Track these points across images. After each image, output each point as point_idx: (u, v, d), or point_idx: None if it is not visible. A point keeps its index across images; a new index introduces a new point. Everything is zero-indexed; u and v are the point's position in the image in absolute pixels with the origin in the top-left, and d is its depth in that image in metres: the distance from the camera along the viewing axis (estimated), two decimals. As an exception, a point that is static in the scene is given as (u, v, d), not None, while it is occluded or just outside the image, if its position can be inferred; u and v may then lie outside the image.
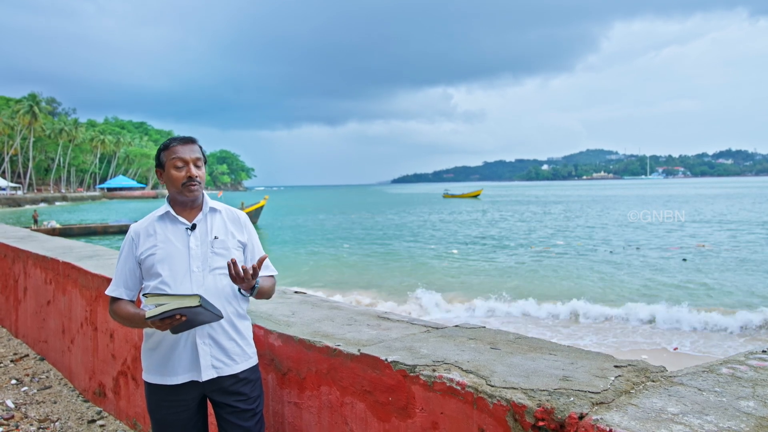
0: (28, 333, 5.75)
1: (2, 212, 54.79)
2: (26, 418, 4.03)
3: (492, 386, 1.61)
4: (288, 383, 2.38)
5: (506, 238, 29.28)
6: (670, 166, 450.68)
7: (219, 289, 2.13)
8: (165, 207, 2.19)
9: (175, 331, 1.97)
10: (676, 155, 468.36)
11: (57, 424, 3.94)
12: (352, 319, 2.57)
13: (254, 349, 2.28)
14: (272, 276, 2.34)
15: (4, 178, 78.27)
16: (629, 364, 1.72)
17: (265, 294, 2.26)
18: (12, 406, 4.23)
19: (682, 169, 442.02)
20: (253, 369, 2.23)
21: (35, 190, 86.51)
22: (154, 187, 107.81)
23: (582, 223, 37.98)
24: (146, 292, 2.05)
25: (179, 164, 2.13)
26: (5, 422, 3.91)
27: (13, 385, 4.70)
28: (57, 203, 75.35)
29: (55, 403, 4.32)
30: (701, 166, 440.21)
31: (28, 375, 4.92)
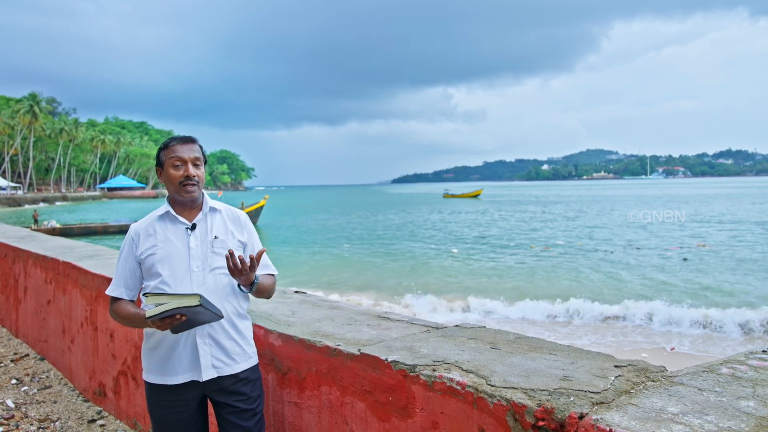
0: (28, 333, 5.75)
1: (2, 212, 54.81)
2: (26, 417, 4.03)
3: (492, 386, 1.61)
4: (288, 383, 2.38)
5: (506, 237, 29.28)
6: (670, 166, 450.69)
7: (219, 289, 2.13)
8: (165, 207, 2.19)
9: (175, 330, 1.97)
10: (676, 155, 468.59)
11: (57, 423, 3.94)
12: (352, 319, 2.57)
13: (254, 349, 2.28)
14: (272, 275, 2.34)
15: (5, 177, 78.29)
16: (629, 364, 1.72)
17: (265, 292, 2.25)
18: (12, 405, 4.23)
19: (683, 169, 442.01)
20: (254, 369, 2.23)
21: (35, 190, 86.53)
22: (154, 187, 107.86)
23: (582, 223, 37.98)
24: (146, 291, 2.05)
25: (178, 163, 2.13)
26: (5, 422, 3.91)
27: (13, 384, 4.70)
28: (57, 203, 75.38)
29: (55, 402, 4.32)
30: (701, 166, 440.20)
31: (28, 375, 4.92)
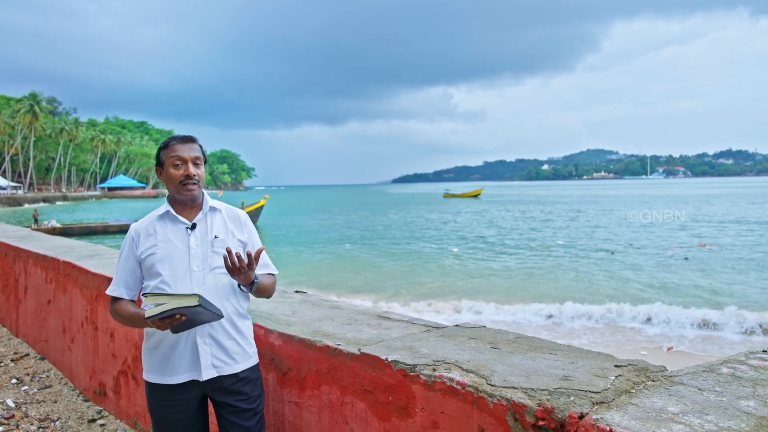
0: (28, 332, 5.75)
1: (3, 211, 54.83)
2: (27, 417, 4.03)
3: (492, 386, 1.61)
4: (288, 383, 2.38)
5: (506, 237, 29.28)
6: (670, 166, 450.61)
7: (219, 289, 2.13)
8: (165, 206, 2.19)
9: (175, 330, 1.97)
10: (676, 155, 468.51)
11: (57, 423, 3.94)
12: (352, 319, 2.57)
13: (255, 349, 2.27)
14: (272, 275, 2.34)
15: (5, 177, 78.32)
16: (629, 364, 1.72)
17: (265, 291, 2.25)
18: (12, 405, 4.23)
19: (683, 169, 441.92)
20: (254, 368, 2.23)
21: (36, 190, 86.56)
22: (154, 187, 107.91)
23: (582, 222, 37.98)
24: (146, 291, 2.05)
25: (178, 163, 2.13)
26: (6, 421, 3.91)
27: (13, 384, 4.70)
28: (57, 203, 75.42)
29: (55, 402, 4.32)
30: (702, 166, 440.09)
31: (28, 374, 4.93)
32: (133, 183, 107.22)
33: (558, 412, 1.43)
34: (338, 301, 3.07)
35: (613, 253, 22.12)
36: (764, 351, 1.77)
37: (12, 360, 5.33)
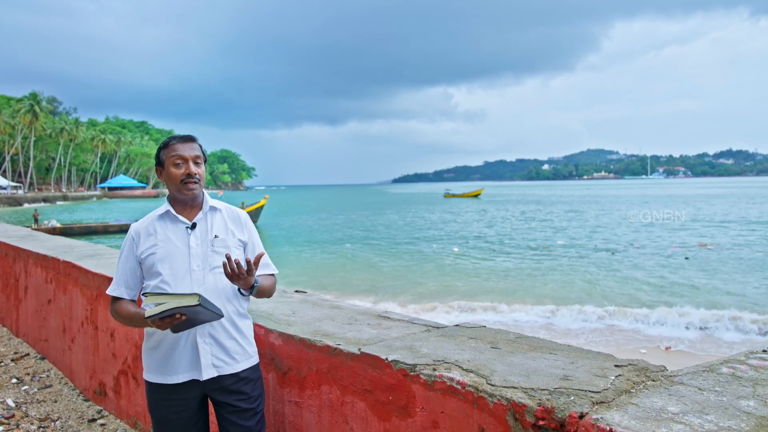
0: (28, 332, 5.75)
1: (3, 211, 54.84)
2: (27, 417, 4.03)
3: (492, 385, 1.61)
4: (288, 382, 2.38)
5: (506, 237, 29.29)
6: (670, 166, 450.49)
7: (219, 288, 2.13)
8: (165, 206, 2.19)
9: (175, 330, 1.97)
10: (676, 155, 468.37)
11: (57, 423, 3.94)
12: (352, 319, 2.57)
13: (255, 348, 2.27)
14: (272, 275, 2.33)
15: (5, 177, 78.34)
16: (630, 364, 1.72)
17: (265, 293, 2.25)
18: (12, 405, 4.23)
19: (683, 169, 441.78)
20: (254, 368, 2.23)
21: (36, 190, 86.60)
22: (154, 187, 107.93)
23: (582, 222, 37.98)
24: (146, 291, 2.05)
25: (178, 162, 2.13)
26: (6, 421, 3.91)
27: (13, 384, 4.70)
28: (58, 202, 75.45)
29: (55, 402, 4.32)
30: (702, 166, 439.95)
31: (28, 374, 4.93)
32: (134, 183, 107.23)
33: (558, 411, 1.43)
34: (338, 300, 3.07)
35: (613, 253, 22.11)
36: (764, 351, 1.77)
37: (12, 360, 5.33)
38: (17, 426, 3.85)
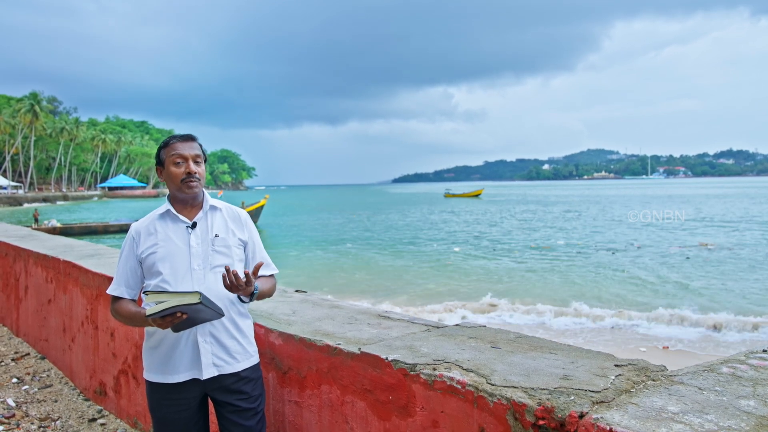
0: (29, 332, 5.76)
1: (3, 211, 54.85)
2: (27, 416, 4.03)
3: (492, 385, 1.61)
4: (288, 382, 2.38)
5: (507, 237, 29.29)
6: (671, 166, 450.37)
7: (220, 287, 2.12)
8: (166, 205, 2.19)
9: (176, 329, 1.97)
10: (677, 155, 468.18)
11: (58, 422, 3.94)
12: (352, 318, 2.57)
13: (255, 348, 2.27)
14: (272, 275, 2.34)
15: (5, 177, 78.37)
16: (630, 363, 1.72)
17: (265, 295, 2.25)
18: (13, 404, 4.23)
19: (683, 169, 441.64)
20: (255, 367, 2.23)
21: (36, 189, 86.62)
22: (155, 187, 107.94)
23: (583, 222, 37.97)
24: (147, 290, 2.05)
25: (179, 161, 2.13)
26: (6, 421, 3.92)
27: (14, 383, 4.70)
28: (58, 202, 75.48)
29: (55, 401, 4.32)
30: (702, 166, 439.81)
31: (29, 374, 4.93)
32: (134, 183, 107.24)
33: (558, 411, 1.43)
34: (338, 300, 3.07)
35: (613, 252, 22.11)
36: (764, 351, 1.77)
37: (12, 359, 5.33)
38: (18, 425, 3.85)
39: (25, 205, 64.35)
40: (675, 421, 1.28)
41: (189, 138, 2.19)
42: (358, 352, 2.04)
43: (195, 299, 1.82)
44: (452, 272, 18.73)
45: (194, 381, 2.12)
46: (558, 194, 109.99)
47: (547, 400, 1.48)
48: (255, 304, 2.78)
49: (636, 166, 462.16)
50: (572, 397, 1.47)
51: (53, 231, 28.45)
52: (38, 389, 4.56)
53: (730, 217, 38.79)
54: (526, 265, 19.81)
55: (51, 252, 5.08)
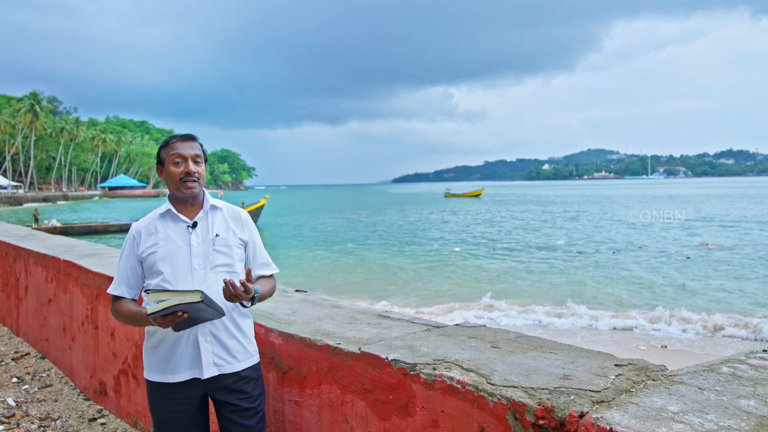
0: (29, 331, 5.76)
1: (3, 211, 54.87)
2: (27, 416, 4.03)
3: (492, 385, 1.62)
4: (289, 382, 2.38)
5: (507, 237, 29.28)
6: (671, 166, 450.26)
7: (220, 287, 2.13)
8: (166, 205, 2.19)
9: (177, 328, 1.97)
10: (677, 155, 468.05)
11: (58, 422, 3.94)
12: (352, 318, 2.57)
13: (256, 348, 2.28)
14: (272, 275, 2.34)
15: (6, 176, 78.39)
16: (630, 363, 1.72)
17: (266, 297, 2.26)
18: (13, 404, 4.24)
19: (683, 169, 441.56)
20: (255, 367, 2.24)
21: (36, 189, 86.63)
22: (155, 186, 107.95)
23: (582, 222, 37.97)
24: (148, 289, 2.05)
25: (178, 160, 2.14)
26: (6, 420, 3.92)
27: (14, 383, 4.70)
28: (58, 202, 75.51)
29: (56, 401, 4.32)
30: (702, 166, 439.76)
31: (29, 373, 4.93)
32: (134, 182, 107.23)
33: (558, 411, 1.43)
34: (338, 300, 3.07)
35: (614, 252, 22.11)
36: (764, 351, 1.77)
37: (13, 359, 5.33)
38: (18, 425, 3.85)
39: (25, 205, 64.39)
40: (675, 421, 1.29)
41: (189, 138, 2.20)
42: (358, 352, 2.04)
43: (196, 298, 1.83)
44: (452, 272, 18.73)
45: (195, 380, 2.12)
46: (558, 194, 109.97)
47: (547, 399, 1.48)
48: (255, 304, 2.78)
49: (636, 166, 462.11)
50: (572, 397, 1.47)
51: (53, 231, 28.46)
52: (38, 389, 4.56)
53: (731, 217, 38.79)
54: (526, 265, 19.80)
55: (51, 252, 5.08)
